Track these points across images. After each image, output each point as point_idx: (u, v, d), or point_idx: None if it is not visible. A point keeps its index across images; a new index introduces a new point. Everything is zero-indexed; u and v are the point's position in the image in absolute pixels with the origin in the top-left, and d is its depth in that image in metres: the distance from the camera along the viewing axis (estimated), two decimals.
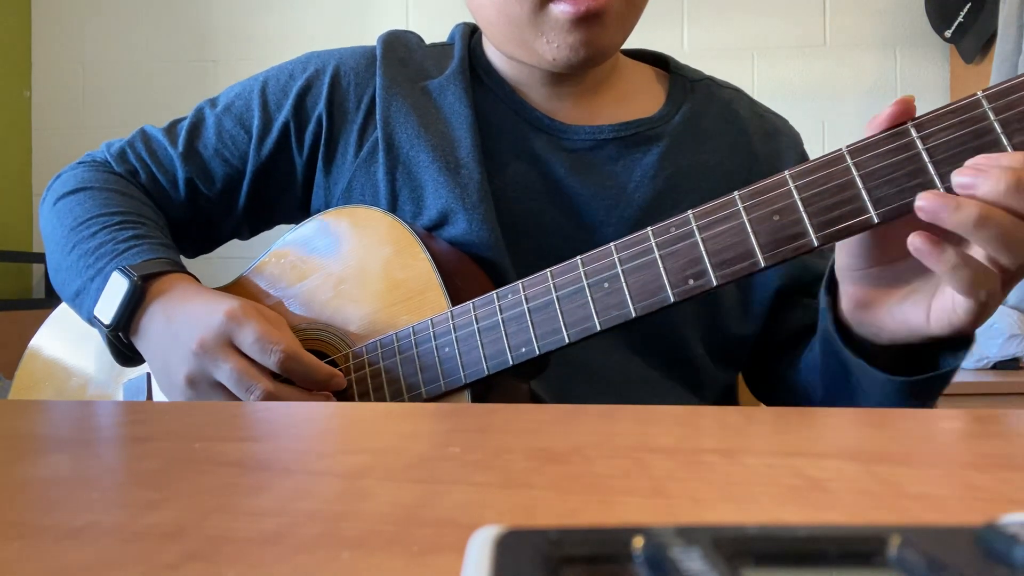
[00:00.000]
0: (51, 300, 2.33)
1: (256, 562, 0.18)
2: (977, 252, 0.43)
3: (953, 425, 0.34)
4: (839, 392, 0.57)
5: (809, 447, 0.29)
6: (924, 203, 0.41)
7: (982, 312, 0.44)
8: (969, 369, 1.66)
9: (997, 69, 1.84)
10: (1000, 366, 1.65)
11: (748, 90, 0.79)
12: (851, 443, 0.30)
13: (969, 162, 0.41)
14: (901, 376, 0.51)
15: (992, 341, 1.63)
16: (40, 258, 2.35)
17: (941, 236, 0.42)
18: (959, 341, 0.50)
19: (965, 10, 2.00)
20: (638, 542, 0.13)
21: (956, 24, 2.02)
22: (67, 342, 0.74)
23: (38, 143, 2.44)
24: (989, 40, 1.95)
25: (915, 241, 0.42)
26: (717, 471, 0.25)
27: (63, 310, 0.75)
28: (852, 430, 0.33)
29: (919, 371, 0.51)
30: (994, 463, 0.26)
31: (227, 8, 2.39)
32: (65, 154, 2.39)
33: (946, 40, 2.07)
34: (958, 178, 0.41)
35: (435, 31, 0.90)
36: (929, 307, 0.47)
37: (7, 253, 2.25)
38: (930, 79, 2.16)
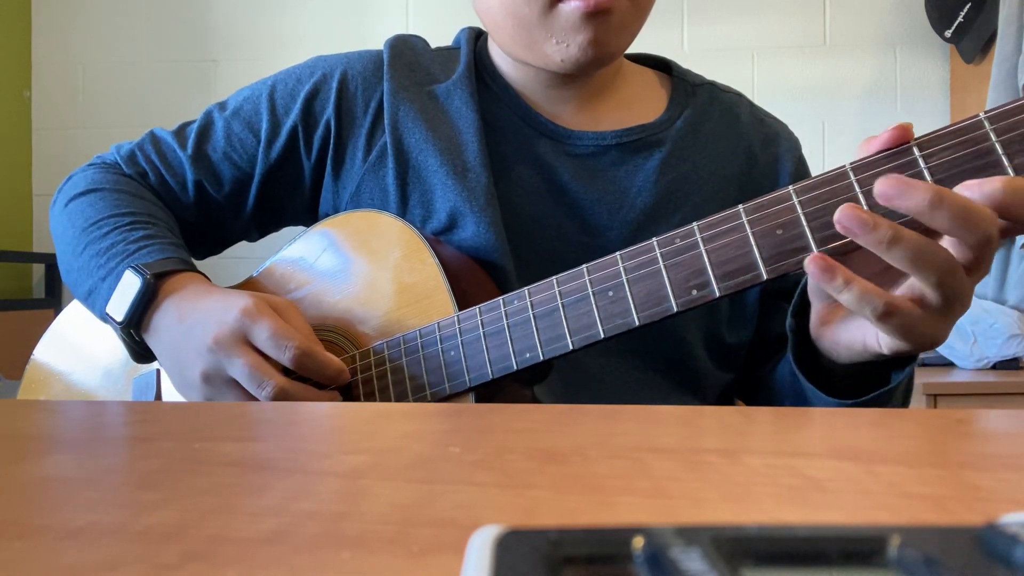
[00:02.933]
0: (51, 300, 2.34)
1: (256, 562, 0.18)
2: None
3: (953, 425, 0.34)
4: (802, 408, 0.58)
5: (809, 447, 0.29)
6: (842, 217, 0.41)
7: (909, 336, 0.44)
8: (969, 369, 1.66)
9: (997, 69, 1.84)
10: (1000, 366, 1.65)
11: (748, 90, 0.79)
12: (851, 443, 0.30)
13: (891, 176, 0.41)
14: (849, 399, 0.52)
15: (992, 341, 1.63)
16: (40, 258, 2.35)
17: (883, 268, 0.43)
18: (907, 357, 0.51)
19: (965, 10, 2.00)
20: (638, 542, 0.13)
21: (956, 24, 2.02)
22: (75, 341, 0.75)
23: (38, 143, 2.44)
24: (989, 40, 1.95)
25: (809, 265, 0.42)
26: (717, 471, 0.25)
27: (67, 314, 0.76)
28: (852, 430, 0.33)
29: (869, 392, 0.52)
30: (994, 463, 0.26)
31: (227, 8, 2.39)
32: (65, 154, 2.39)
33: (946, 40, 2.07)
34: (878, 187, 0.40)
35: (434, 31, 0.90)
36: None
37: (7, 253, 2.26)
38: (930, 79, 2.16)
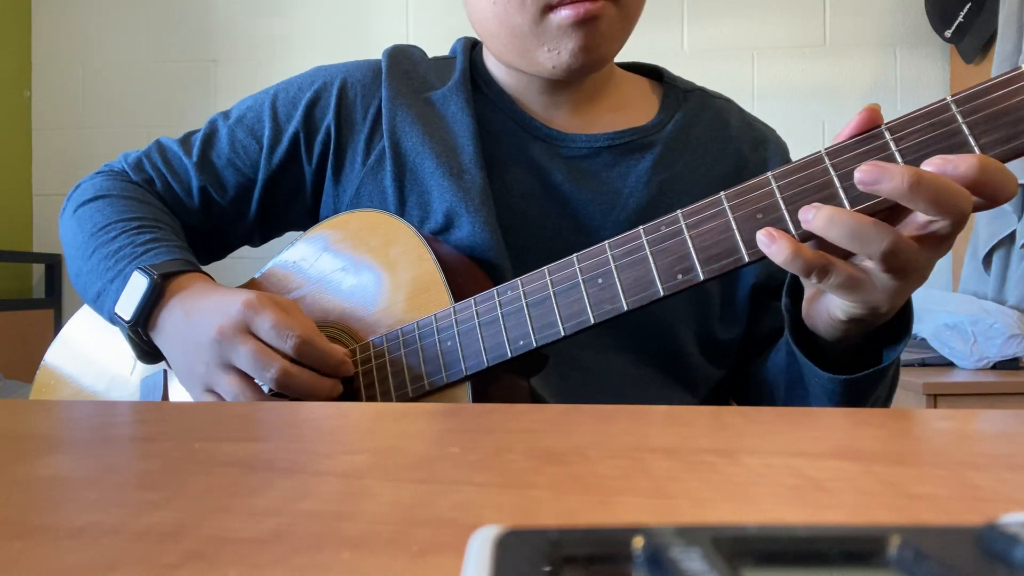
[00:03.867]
0: (51, 300, 2.34)
1: (256, 562, 0.18)
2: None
3: (953, 425, 0.34)
4: (797, 393, 0.60)
5: (809, 447, 0.29)
6: (800, 216, 0.45)
7: (855, 298, 0.47)
8: (969, 369, 1.66)
9: (997, 69, 1.84)
10: (1000, 366, 1.65)
11: (748, 90, 0.80)
12: (851, 443, 0.30)
13: (869, 163, 0.43)
14: (841, 376, 0.54)
15: (992, 341, 1.63)
16: (40, 258, 2.35)
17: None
18: (898, 334, 0.53)
19: (965, 10, 2.00)
20: (638, 542, 0.13)
21: (956, 24, 2.02)
22: (85, 346, 0.76)
23: (38, 143, 2.44)
24: (989, 40, 1.95)
25: (761, 237, 0.46)
26: (717, 471, 0.25)
27: (77, 319, 0.78)
28: (852, 430, 0.33)
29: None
30: (994, 463, 0.26)
31: (227, 8, 2.39)
32: (65, 154, 2.39)
33: (946, 40, 2.07)
34: (858, 175, 0.43)
35: (433, 31, 0.90)
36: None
37: (7, 253, 2.25)
38: (930, 79, 2.16)
